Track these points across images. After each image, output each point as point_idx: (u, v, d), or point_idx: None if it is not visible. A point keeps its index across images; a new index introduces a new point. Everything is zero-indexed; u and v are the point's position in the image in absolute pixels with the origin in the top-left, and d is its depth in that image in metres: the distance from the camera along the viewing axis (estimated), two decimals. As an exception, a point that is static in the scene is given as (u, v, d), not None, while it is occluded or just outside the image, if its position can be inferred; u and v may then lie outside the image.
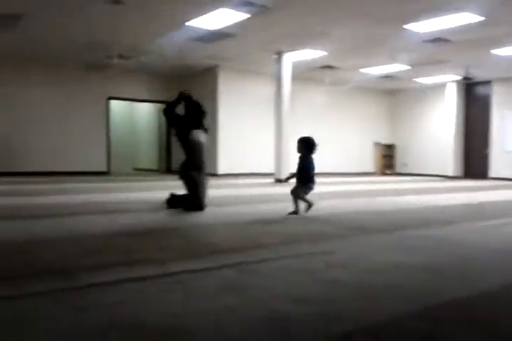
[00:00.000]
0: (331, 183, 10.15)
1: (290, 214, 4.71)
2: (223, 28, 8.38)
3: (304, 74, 12.69)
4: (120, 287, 2.20)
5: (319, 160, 15.43)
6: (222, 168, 12.25)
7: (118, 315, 1.82)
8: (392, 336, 1.68)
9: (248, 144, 12.58)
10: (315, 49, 10.01)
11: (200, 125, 5.09)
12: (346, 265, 2.73)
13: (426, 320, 1.84)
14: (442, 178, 13.40)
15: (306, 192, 4.77)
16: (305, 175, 4.72)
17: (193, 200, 4.94)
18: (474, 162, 13.77)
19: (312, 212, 4.98)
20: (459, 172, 13.92)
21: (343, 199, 6.74)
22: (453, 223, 4.51)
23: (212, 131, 12.26)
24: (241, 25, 8.12)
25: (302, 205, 4.79)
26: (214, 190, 6.27)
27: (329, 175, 13.04)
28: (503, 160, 12.99)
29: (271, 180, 10.60)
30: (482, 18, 7.53)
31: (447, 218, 4.87)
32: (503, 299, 2.14)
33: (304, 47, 9.93)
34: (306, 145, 4.73)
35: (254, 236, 3.62)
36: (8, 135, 11.21)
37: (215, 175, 11.74)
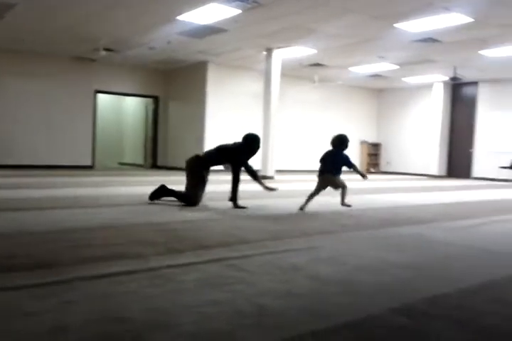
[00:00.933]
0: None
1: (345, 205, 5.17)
2: (214, 23, 8.34)
3: (294, 72, 12.70)
4: (103, 281, 2.19)
5: (306, 158, 15.39)
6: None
7: (101, 309, 1.82)
8: (374, 331, 1.70)
9: (236, 140, 12.56)
10: (305, 46, 10.01)
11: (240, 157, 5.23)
12: (332, 261, 2.75)
13: (408, 316, 1.86)
14: (426, 177, 13.54)
15: None
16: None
17: (190, 196, 5.09)
18: (458, 161, 13.93)
19: (295, 207, 5.02)
20: (443, 171, 14.07)
21: (328, 196, 6.76)
22: (435, 221, 4.56)
23: (199, 126, 12.25)
24: (232, 20, 8.08)
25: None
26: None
27: (315, 173, 13.07)
28: (486, 160, 13.16)
29: (257, 176, 10.59)
30: (471, 19, 7.58)
31: (430, 216, 4.92)
32: (480, 297, 2.18)
33: (294, 45, 9.92)
34: (343, 142, 5.10)
35: (239, 232, 3.63)
36: (-9, 126, 11.05)
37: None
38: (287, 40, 9.60)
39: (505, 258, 3.03)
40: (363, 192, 7.79)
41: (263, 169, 10.51)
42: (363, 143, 15.49)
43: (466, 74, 12.16)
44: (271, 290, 2.13)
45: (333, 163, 5.09)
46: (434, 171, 13.92)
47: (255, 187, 5.39)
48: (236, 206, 5.03)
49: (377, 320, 1.81)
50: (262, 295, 2.04)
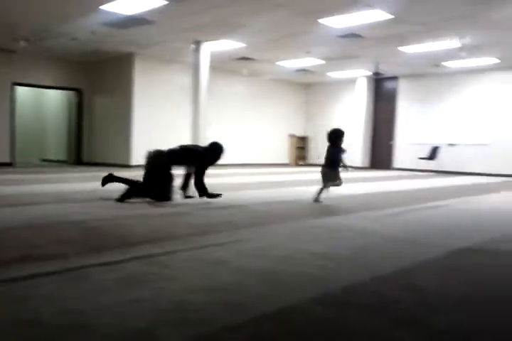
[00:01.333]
0: (247, 174, 10.28)
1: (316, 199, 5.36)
2: (139, 14, 8.11)
3: (224, 65, 12.67)
4: (19, 284, 2.09)
5: (237, 152, 15.34)
6: (136, 158, 11.94)
7: (14, 314, 1.74)
8: (293, 322, 1.75)
9: (164, 134, 12.36)
10: (233, 40, 10.01)
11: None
12: (257, 253, 2.79)
13: (326, 305, 1.94)
14: (351, 169, 14.01)
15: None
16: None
17: (163, 192, 5.14)
18: (380, 153, 14.58)
19: (225, 201, 5.04)
20: (366, 163, 14.67)
21: (256, 189, 6.86)
22: (357, 211, 4.76)
23: (126, 121, 11.93)
24: (158, 11, 7.90)
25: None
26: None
27: (246, 166, 13.19)
28: (405, 152, 13.86)
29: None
30: (391, 16, 7.90)
31: (352, 207, 5.13)
32: (393, 284, 2.30)
33: (222, 38, 9.89)
34: (338, 136, 5.48)
35: (164, 228, 3.59)
36: None
37: (128, 166, 11.46)
38: (215, 34, 9.55)
39: (418, 246, 3.22)
40: (290, 184, 7.94)
41: (193, 163, 10.43)
42: (291, 136, 15.78)
43: (387, 69, 12.71)
44: (194, 285, 2.13)
45: (328, 159, 5.48)
46: (358, 163, 14.47)
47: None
48: (210, 196, 5.11)
49: (297, 310, 1.87)
50: (184, 291, 2.04)
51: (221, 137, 13.46)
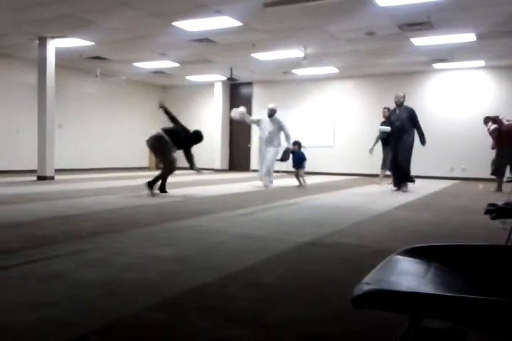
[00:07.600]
0: (108, 178, 9.82)
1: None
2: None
3: (74, 64, 11.97)
4: None
5: (91, 156, 14.55)
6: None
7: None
8: (126, 332, 1.68)
9: (7, 138, 11.29)
10: (81, 39, 9.48)
11: None
12: (99, 263, 2.65)
13: (165, 310, 1.90)
14: (211, 171, 14.23)
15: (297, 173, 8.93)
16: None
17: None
18: (238, 156, 15.00)
19: (79, 208, 4.75)
20: (225, 165, 14.99)
21: (116, 195, 6.58)
22: (214, 212, 4.81)
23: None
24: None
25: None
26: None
27: (104, 171, 12.61)
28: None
29: (33, 177, 9.69)
30: (240, 23, 8.15)
31: (211, 208, 5.17)
32: (237, 283, 2.35)
33: (69, 35, 9.29)
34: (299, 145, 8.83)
35: (-3, 241, 3.26)
36: None
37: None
38: (61, 30, 8.96)
39: (266, 243, 3.34)
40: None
41: (40, 169, 9.65)
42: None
43: (241, 75, 13.10)
44: (18, 303, 1.95)
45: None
46: (218, 165, 14.72)
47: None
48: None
49: (132, 319, 1.79)
50: (4, 311, 1.85)
51: (75, 141, 12.75)
